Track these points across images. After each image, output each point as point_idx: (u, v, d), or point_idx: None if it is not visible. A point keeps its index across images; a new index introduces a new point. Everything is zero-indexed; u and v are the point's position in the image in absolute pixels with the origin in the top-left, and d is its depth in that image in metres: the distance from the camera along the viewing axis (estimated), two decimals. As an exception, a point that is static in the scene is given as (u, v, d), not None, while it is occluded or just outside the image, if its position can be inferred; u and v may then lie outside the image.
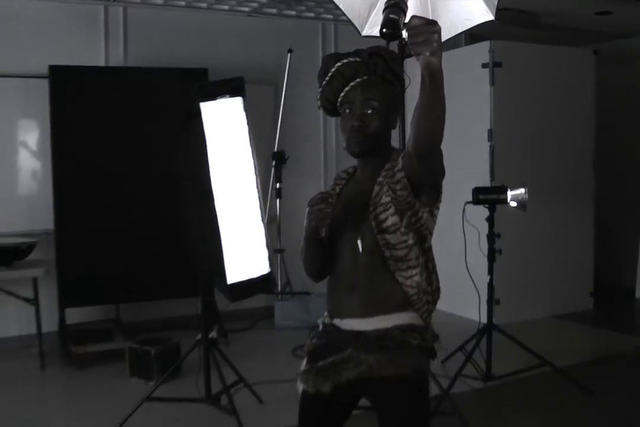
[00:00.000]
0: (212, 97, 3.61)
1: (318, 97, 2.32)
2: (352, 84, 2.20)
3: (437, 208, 2.20)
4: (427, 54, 1.74)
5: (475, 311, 4.56)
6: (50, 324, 5.36)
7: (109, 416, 3.98)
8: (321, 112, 2.37)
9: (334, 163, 6.82)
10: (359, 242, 2.20)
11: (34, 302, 5.10)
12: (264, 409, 4.14)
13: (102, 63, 5.84)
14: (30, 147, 5.61)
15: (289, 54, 6.12)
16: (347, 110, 2.22)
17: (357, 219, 2.21)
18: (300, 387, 2.25)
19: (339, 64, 2.22)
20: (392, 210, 2.14)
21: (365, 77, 2.19)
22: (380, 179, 2.19)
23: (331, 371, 2.14)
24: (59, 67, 5.27)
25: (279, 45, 6.30)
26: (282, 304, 6.10)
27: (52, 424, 4.09)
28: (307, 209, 2.19)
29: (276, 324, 6.06)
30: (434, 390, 2.52)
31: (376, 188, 2.18)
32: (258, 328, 6.07)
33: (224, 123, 3.63)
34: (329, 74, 2.24)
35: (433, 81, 1.80)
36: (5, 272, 5.01)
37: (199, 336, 3.86)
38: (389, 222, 2.14)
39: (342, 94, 2.23)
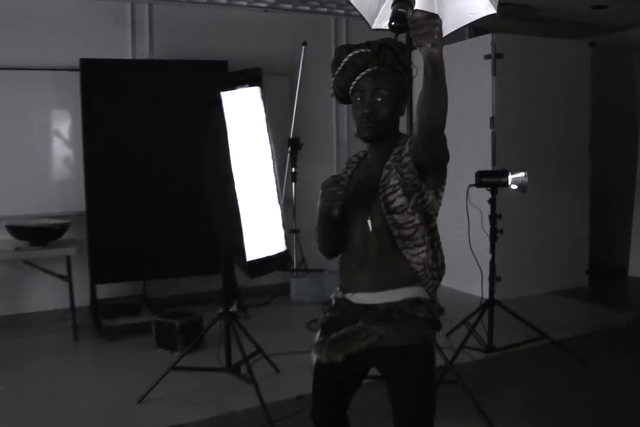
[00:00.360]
0: (232, 86, 3.58)
1: (331, 85, 2.32)
2: (363, 73, 2.20)
3: (442, 190, 2.19)
4: (429, 45, 1.74)
5: (477, 287, 4.55)
6: (82, 299, 5.39)
7: (137, 383, 4.01)
8: (334, 100, 2.36)
9: (345, 148, 6.79)
10: (369, 222, 2.20)
11: (68, 278, 5.13)
12: (281, 378, 4.15)
13: (129, 56, 5.82)
14: (63, 135, 5.62)
15: (303, 47, 6.09)
16: (358, 98, 2.21)
17: (367, 200, 2.20)
18: (314, 357, 2.26)
19: (350, 54, 2.22)
20: (399, 192, 2.13)
21: (375, 67, 2.19)
22: (388, 162, 2.18)
23: (343, 342, 2.14)
24: (89, 60, 5.26)
25: (294, 38, 6.26)
26: (298, 281, 6.11)
27: (84, 391, 4.10)
28: (321, 191, 2.18)
29: (292, 299, 6.07)
30: (439, 361, 2.50)
31: (385, 171, 2.17)
32: (275, 303, 6.08)
33: (243, 111, 3.61)
34: (342, 64, 2.23)
35: (435, 71, 1.80)
36: (41, 251, 5.04)
37: (220, 310, 3.85)
38: (397, 203, 2.13)
39: (353, 83, 2.22)
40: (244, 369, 3.78)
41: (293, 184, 6.16)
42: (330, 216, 2.23)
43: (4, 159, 5.35)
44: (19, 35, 5.41)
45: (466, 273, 4.83)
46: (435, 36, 1.72)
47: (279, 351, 4.44)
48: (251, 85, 3.67)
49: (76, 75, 5.28)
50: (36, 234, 5.05)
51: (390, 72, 2.19)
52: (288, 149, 6.09)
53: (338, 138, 6.82)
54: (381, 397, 2.45)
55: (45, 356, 4.76)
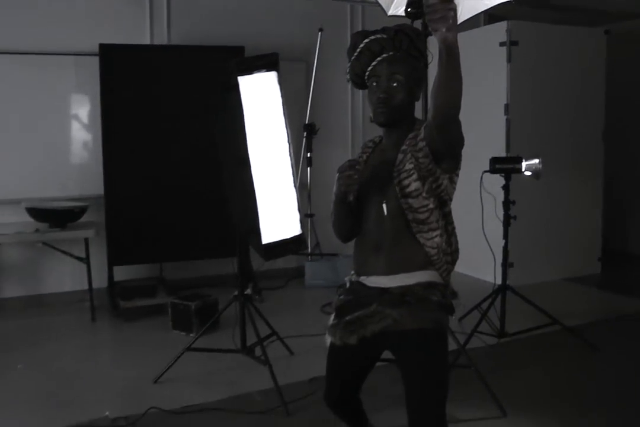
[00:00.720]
0: (249, 71, 3.57)
1: (347, 71, 2.31)
2: (378, 58, 2.19)
3: (457, 175, 2.18)
4: (444, 30, 1.72)
5: (490, 273, 4.54)
6: (100, 281, 5.42)
7: (153, 364, 4.03)
8: (349, 85, 2.35)
9: (360, 134, 6.77)
10: (384, 205, 2.19)
11: (86, 260, 5.16)
12: (294, 360, 4.16)
13: (147, 41, 5.81)
14: (82, 119, 5.63)
15: (319, 33, 6.05)
16: (374, 83, 2.21)
17: (382, 185, 2.20)
18: (328, 340, 2.27)
19: (367, 40, 2.21)
20: (414, 176, 2.12)
21: (391, 53, 2.18)
22: (404, 147, 2.17)
23: (357, 325, 2.14)
24: (108, 46, 5.25)
25: (310, 24, 6.22)
26: (312, 265, 6.11)
27: (102, 370, 4.14)
28: (337, 175, 2.18)
29: (306, 283, 6.08)
30: (451, 345, 2.50)
31: (400, 156, 2.17)
32: (289, 287, 6.09)
33: (260, 95, 3.60)
34: (358, 50, 2.23)
35: (449, 55, 1.79)
36: (60, 233, 5.07)
37: (236, 293, 3.87)
38: (412, 187, 2.12)
39: (369, 68, 2.21)
40: (258, 351, 3.80)
41: (308, 168, 6.15)
42: (346, 200, 2.22)
43: (25, 143, 5.37)
44: (39, 20, 5.41)
45: (479, 259, 4.81)
46: (450, 21, 1.71)
47: (292, 334, 4.45)
48: (268, 70, 3.66)
49: (95, 60, 5.28)
50: (55, 216, 5.07)
51: (406, 58, 2.18)
52: (304, 134, 6.08)
53: (353, 123, 6.80)
54: (393, 380, 2.46)
55: (63, 336, 4.79)
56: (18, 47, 5.32)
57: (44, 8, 5.43)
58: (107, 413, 3.40)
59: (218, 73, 3.80)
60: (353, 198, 2.22)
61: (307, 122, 6.09)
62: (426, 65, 2.28)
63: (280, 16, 6.32)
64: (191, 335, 4.56)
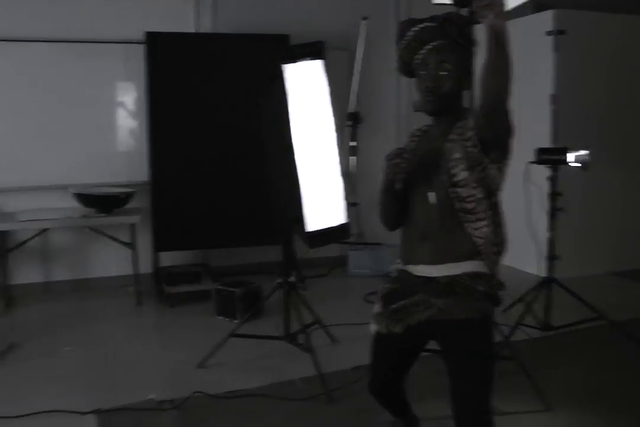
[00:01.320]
0: (295, 59, 3.58)
1: (396, 59, 2.30)
2: (427, 47, 2.19)
3: (506, 165, 2.17)
4: (492, 16, 1.71)
5: (536, 266, 4.49)
6: (145, 266, 5.51)
7: (196, 349, 4.09)
8: (394, 74, 2.35)
9: (406, 123, 6.72)
10: (431, 194, 2.19)
11: (132, 246, 5.25)
12: (337, 349, 4.18)
13: (192, 29, 5.85)
14: (128, 107, 5.70)
15: (364, 21, 6.02)
16: (422, 72, 2.20)
17: (430, 174, 2.20)
18: (373, 328, 2.28)
19: (415, 28, 2.21)
20: (463, 165, 2.12)
21: (439, 41, 2.17)
22: (452, 136, 2.17)
23: (403, 314, 2.16)
24: (154, 34, 5.32)
25: (354, 12, 6.18)
26: (355, 254, 6.12)
27: (146, 354, 4.22)
28: (384, 164, 2.18)
29: (349, 272, 6.10)
30: (495, 336, 2.50)
31: (448, 145, 2.17)
32: (332, 275, 6.12)
33: (305, 84, 3.61)
34: (406, 38, 2.23)
35: (498, 42, 1.79)
36: (106, 219, 5.16)
37: (280, 280, 3.90)
38: (460, 176, 2.12)
39: (417, 57, 2.21)
40: (301, 339, 3.83)
41: (353, 157, 6.14)
42: (393, 188, 2.22)
43: (72, 130, 5.47)
44: (86, 8, 5.49)
45: (525, 251, 4.77)
46: (498, 7, 1.71)
47: (335, 322, 4.47)
48: (314, 58, 3.66)
49: (141, 48, 5.36)
50: (102, 202, 5.16)
51: (454, 46, 2.18)
52: (348, 123, 6.07)
53: (399, 112, 6.76)
54: (437, 371, 2.46)
55: (109, 320, 4.91)
56: (65, 36, 5.42)
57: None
58: (152, 396, 3.47)
59: (263, 61, 3.83)
60: (400, 187, 2.23)
61: (351, 111, 6.07)
62: (474, 54, 2.27)
63: (324, 4, 6.31)
64: (235, 321, 4.62)
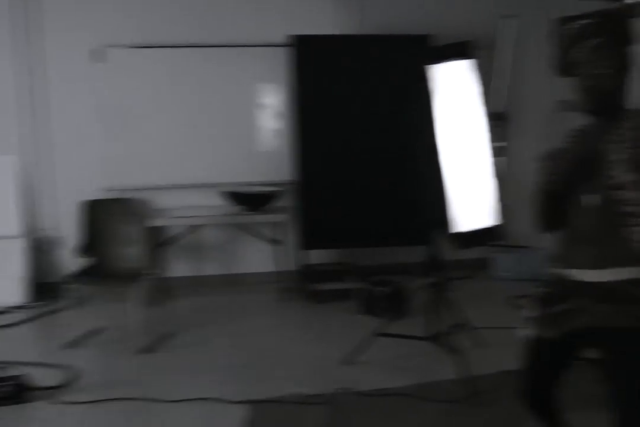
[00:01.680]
0: (441, 59, 3.59)
1: (552, 58, 2.26)
2: (587, 45, 2.12)
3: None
4: None
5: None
6: (290, 263, 5.68)
7: (340, 345, 4.20)
8: (547, 72, 2.30)
9: (557, 123, 6.51)
10: (591, 197, 2.13)
11: (279, 243, 5.41)
12: (484, 352, 4.11)
13: (333, 31, 5.88)
14: (273, 108, 5.87)
15: (507, 20, 5.88)
16: (582, 71, 2.14)
17: (589, 175, 2.14)
18: (525, 332, 2.24)
19: (574, 25, 2.15)
20: (624, 167, 2.05)
21: (599, 39, 2.10)
22: (612, 137, 2.10)
23: (561, 319, 2.11)
24: (299, 36, 5.43)
25: (497, 10, 6.04)
26: (502, 256, 6.02)
27: (291, 348, 4.36)
28: (540, 165, 2.15)
29: (495, 274, 6.00)
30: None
31: (608, 146, 2.10)
32: (477, 277, 6.05)
33: (452, 84, 3.60)
34: (563, 37, 2.17)
35: None
36: (254, 217, 5.38)
37: (425, 281, 3.90)
38: (621, 178, 2.05)
39: (577, 55, 2.15)
40: (446, 340, 3.82)
41: (500, 158, 6.03)
42: (550, 190, 2.18)
43: (220, 131, 5.75)
44: (232, 14, 5.77)
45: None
46: None
47: (480, 325, 4.41)
48: (461, 58, 3.65)
49: (284, 51, 5.54)
50: (251, 200, 5.37)
51: (614, 43, 2.10)
52: (493, 123, 5.95)
53: (548, 112, 6.57)
54: (591, 380, 2.38)
55: (256, 314, 5.11)
56: (214, 41, 5.72)
57: (235, 2, 5.77)
58: (301, 390, 3.57)
59: (406, 62, 3.85)
60: (558, 189, 2.18)
61: (498, 110, 5.96)
62: (633, 51, 2.19)
63: (466, 3, 6.21)
64: (378, 320, 4.65)
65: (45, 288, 5.60)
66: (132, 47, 5.61)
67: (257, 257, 5.93)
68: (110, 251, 4.80)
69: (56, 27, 5.62)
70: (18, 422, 3.37)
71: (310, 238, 5.59)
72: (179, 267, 5.86)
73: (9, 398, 3.48)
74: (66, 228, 5.60)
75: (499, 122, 5.95)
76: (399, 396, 3.52)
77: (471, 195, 3.60)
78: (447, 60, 3.62)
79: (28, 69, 5.62)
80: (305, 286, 5.50)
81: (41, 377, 3.72)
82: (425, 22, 5.92)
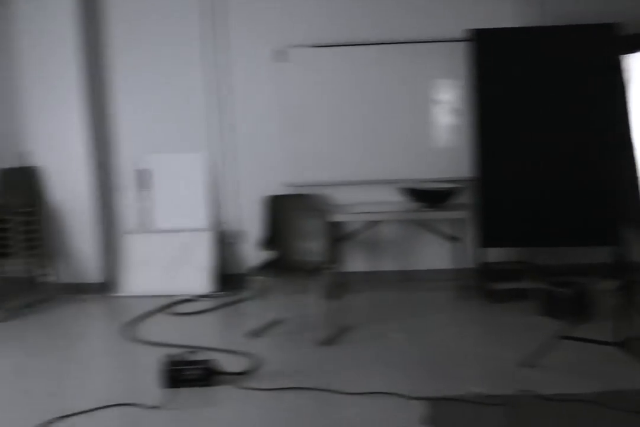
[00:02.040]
0: (635, 49, 3.41)
1: None
2: None
3: None
4: None
5: None
6: (468, 261, 5.62)
7: (518, 346, 4.11)
8: None
9: None
10: None
11: (459, 241, 5.38)
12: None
13: (516, 24, 5.72)
14: (451, 104, 5.84)
15: None
16: None
17: None
18: None
19: None
20: None
21: None
22: None
23: None
24: (479, 31, 5.33)
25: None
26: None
27: (467, 347, 4.34)
28: None
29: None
30: None
31: None
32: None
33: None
34: None
35: None
36: (434, 213, 5.38)
37: (613, 283, 3.74)
38: None
39: None
40: (637, 346, 3.64)
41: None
42: None
43: (398, 128, 5.82)
44: (407, 10, 5.85)
45: None
46: None
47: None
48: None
49: (462, 46, 5.49)
50: (430, 197, 5.37)
51: None
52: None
53: None
54: None
55: (432, 311, 5.12)
56: (388, 38, 5.80)
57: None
58: (479, 390, 3.53)
59: (592, 52, 3.69)
60: None
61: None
62: None
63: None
64: (559, 322, 4.51)
65: (229, 279, 5.93)
66: (312, 47, 5.79)
67: (435, 254, 5.94)
68: (291, 244, 4.97)
69: (241, 28, 5.92)
70: (208, 403, 3.59)
71: (489, 236, 5.50)
72: (356, 263, 5.97)
73: (198, 380, 3.72)
74: (248, 222, 5.89)
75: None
76: (582, 402, 3.37)
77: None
78: (640, 50, 3.44)
79: (215, 69, 5.96)
80: (482, 285, 5.42)
81: (227, 363, 3.93)
82: (609, 10, 5.63)
